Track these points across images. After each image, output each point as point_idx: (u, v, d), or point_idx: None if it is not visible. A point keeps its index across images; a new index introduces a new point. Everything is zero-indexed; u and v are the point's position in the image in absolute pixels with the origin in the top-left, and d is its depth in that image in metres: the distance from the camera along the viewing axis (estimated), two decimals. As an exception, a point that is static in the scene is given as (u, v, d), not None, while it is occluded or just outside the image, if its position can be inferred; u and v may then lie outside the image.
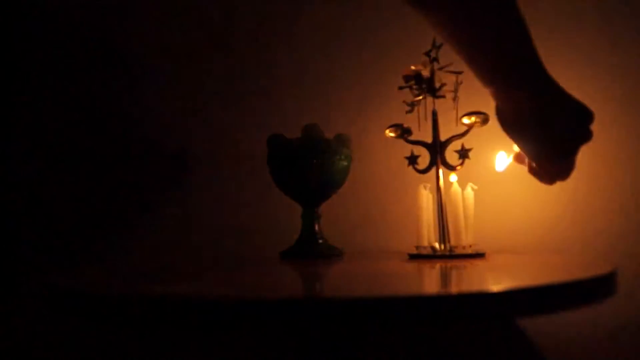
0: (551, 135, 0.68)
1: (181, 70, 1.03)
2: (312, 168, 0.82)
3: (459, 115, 0.81)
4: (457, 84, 0.81)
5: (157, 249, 1.00)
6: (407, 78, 0.82)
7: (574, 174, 0.93)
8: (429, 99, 0.82)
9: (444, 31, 0.64)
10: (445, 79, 0.82)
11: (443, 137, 0.82)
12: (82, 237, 1.00)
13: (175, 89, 1.03)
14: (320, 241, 0.85)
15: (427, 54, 0.81)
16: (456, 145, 0.82)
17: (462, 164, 0.82)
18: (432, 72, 0.81)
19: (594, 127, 0.70)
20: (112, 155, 1.02)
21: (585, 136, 0.70)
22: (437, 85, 0.80)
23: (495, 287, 0.50)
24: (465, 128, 0.81)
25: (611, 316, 0.90)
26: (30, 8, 1.05)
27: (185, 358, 0.96)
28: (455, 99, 0.82)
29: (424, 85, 0.80)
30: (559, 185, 0.93)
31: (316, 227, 0.85)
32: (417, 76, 0.81)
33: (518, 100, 0.66)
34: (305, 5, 1.03)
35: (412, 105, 0.81)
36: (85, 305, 0.50)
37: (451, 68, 0.81)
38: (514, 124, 0.69)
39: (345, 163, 0.85)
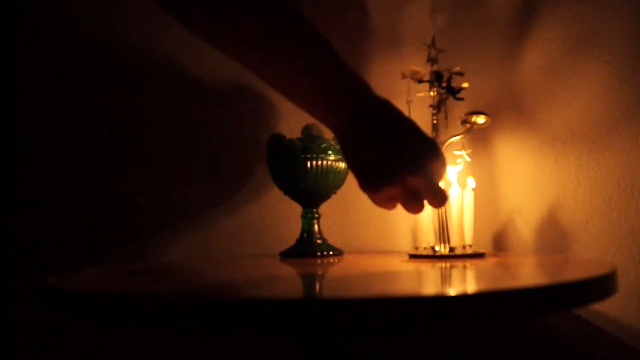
0: (361, 160, 0.60)
1: (181, 69, 1.03)
2: (311, 168, 0.82)
3: (459, 115, 0.81)
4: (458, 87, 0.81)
5: (156, 249, 1.00)
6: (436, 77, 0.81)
7: (575, 173, 0.94)
8: (428, 99, 0.82)
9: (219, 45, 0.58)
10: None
11: (443, 137, 0.82)
12: (81, 237, 1.00)
13: (175, 88, 1.03)
14: (320, 241, 0.85)
15: (429, 46, 0.81)
16: (456, 145, 0.82)
17: (461, 164, 0.82)
18: (449, 75, 0.81)
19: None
20: (111, 155, 1.02)
21: (416, 165, 0.58)
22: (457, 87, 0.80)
23: (494, 287, 0.50)
24: (465, 128, 0.81)
25: (611, 316, 0.90)
26: (30, 8, 1.05)
27: (185, 358, 0.96)
28: (455, 99, 0.82)
29: (444, 85, 0.80)
30: (558, 185, 0.93)
31: (316, 227, 0.86)
32: (437, 75, 0.80)
33: (333, 127, 0.60)
34: (304, 5, 1.02)
35: (439, 106, 0.81)
36: (84, 305, 0.50)
37: (451, 68, 0.81)
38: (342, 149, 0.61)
39: (344, 163, 0.85)
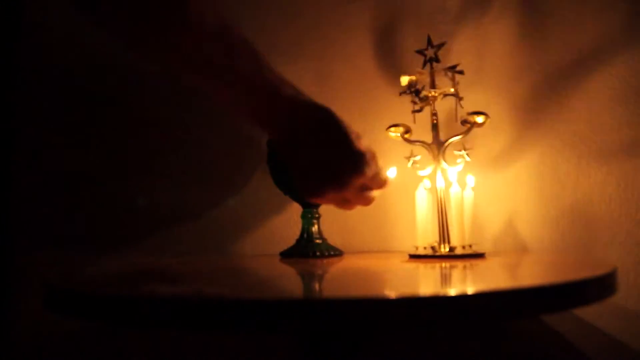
0: (311, 166, 0.63)
1: (181, 70, 1.03)
2: (312, 168, 0.82)
3: (459, 115, 0.81)
4: (455, 84, 0.81)
5: (156, 249, 1.00)
6: (409, 85, 0.82)
7: (575, 173, 0.94)
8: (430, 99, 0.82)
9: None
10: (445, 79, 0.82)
11: (443, 137, 0.82)
12: (81, 237, 1.00)
13: (175, 87, 1.03)
14: (320, 241, 0.85)
15: (422, 52, 0.81)
16: (456, 145, 0.82)
17: (461, 164, 0.82)
18: (432, 76, 0.81)
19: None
20: (112, 155, 1.02)
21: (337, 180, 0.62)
22: (436, 92, 0.80)
23: (494, 287, 0.50)
24: (465, 128, 0.81)
25: (611, 316, 0.90)
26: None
27: (185, 358, 0.96)
28: (459, 98, 0.82)
29: (412, 90, 0.80)
30: (559, 185, 0.93)
31: (316, 227, 0.85)
32: (412, 85, 0.81)
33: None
34: (304, 5, 1.02)
35: (423, 100, 0.81)
36: (84, 305, 0.50)
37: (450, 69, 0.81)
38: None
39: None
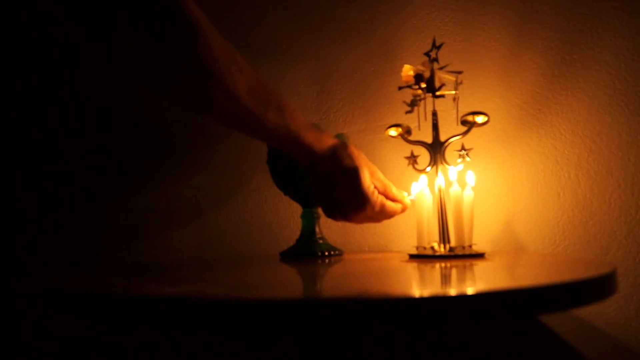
0: (325, 199, 0.74)
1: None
2: (312, 168, 0.82)
3: (459, 115, 0.81)
4: (457, 84, 0.81)
5: (157, 249, 1.00)
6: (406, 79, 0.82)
7: (575, 173, 0.94)
8: (429, 99, 0.82)
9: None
10: (446, 79, 0.82)
11: (443, 137, 0.81)
12: (81, 237, 1.00)
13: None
14: (320, 241, 0.85)
15: (427, 54, 0.81)
16: (456, 145, 0.82)
17: (462, 163, 0.82)
18: (432, 72, 0.81)
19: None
20: (112, 156, 1.02)
21: (358, 204, 0.72)
22: (437, 85, 0.80)
23: (494, 287, 0.50)
24: (465, 128, 0.81)
25: (611, 316, 0.90)
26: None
27: (185, 358, 0.96)
28: (455, 98, 0.82)
29: (423, 86, 0.80)
30: (558, 185, 0.93)
31: (316, 227, 0.85)
32: (417, 76, 0.80)
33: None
34: (304, 5, 1.03)
35: (413, 104, 0.81)
36: (86, 305, 0.50)
37: (451, 68, 0.81)
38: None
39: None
